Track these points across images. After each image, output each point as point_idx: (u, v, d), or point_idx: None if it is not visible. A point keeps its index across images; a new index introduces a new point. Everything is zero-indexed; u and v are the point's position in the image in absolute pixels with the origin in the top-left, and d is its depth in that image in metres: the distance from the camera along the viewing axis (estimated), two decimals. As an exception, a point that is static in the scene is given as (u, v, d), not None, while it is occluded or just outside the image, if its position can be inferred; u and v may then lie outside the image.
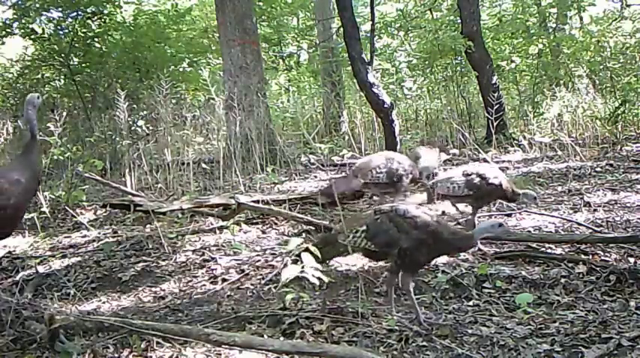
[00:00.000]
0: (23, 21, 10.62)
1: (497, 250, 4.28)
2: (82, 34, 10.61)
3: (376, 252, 3.22)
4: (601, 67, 11.14)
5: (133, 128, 8.97)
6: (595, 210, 5.26)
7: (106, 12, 10.87)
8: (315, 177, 7.42)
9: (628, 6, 12.32)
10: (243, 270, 4.09)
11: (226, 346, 2.71)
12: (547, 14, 12.86)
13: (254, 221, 5.25)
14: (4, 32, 10.69)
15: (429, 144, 6.48)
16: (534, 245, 4.26)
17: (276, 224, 5.15)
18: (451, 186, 4.56)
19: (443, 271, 3.81)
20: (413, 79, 12.09)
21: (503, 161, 7.86)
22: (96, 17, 10.78)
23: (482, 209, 4.97)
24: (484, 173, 4.51)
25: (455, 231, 3.32)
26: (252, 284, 3.85)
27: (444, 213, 5.39)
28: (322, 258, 3.22)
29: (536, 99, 10.96)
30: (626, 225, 4.80)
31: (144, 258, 4.49)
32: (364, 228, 3.18)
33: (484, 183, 4.43)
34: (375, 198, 6.16)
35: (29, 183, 3.44)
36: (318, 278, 2.99)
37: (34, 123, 3.58)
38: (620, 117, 9.25)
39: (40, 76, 11.67)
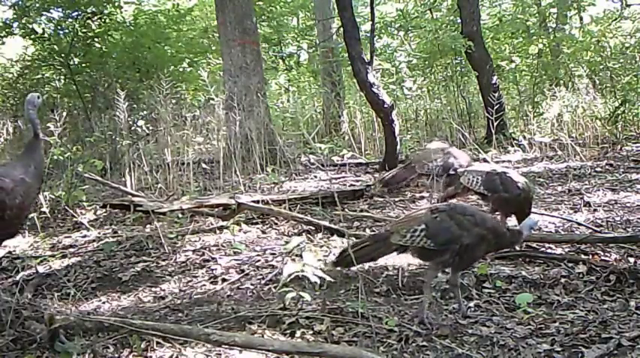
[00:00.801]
0: (23, 21, 10.61)
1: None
2: (82, 34, 10.60)
3: (432, 251, 3.19)
4: (601, 67, 11.15)
5: (133, 128, 8.96)
6: (595, 210, 5.27)
7: (106, 12, 10.87)
8: (315, 177, 7.42)
9: (628, 6, 12.32)
10: (243, 270, 4.09)
11: (226, 346, 2.71)
12: (547, 14, 12.86)
13: (254, 221, 5.26)
14: (4, 32, 10.69)
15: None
16: (534, 245, 4.25)
17: (276, 224, 5.15)
18: (472, 179, 4.57)
19: (443, 271, 3.81)
20: (413, 79, 12.08)
21: (503, 161, 7.86)
22: (96, 17, 10.77)
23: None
24: (508, 177, 4.46)
25: (507, 227, 3.49)
26: (252, 284, 3.85)
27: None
28: (361, 259, 3.30)
29: (536, 99, 10.96)
30: (626, 225, 4.80)
31: (144, 258, 4.49)
32: (423, 226, 3.17)
33: (501, 186, 4.39)
34: (375, 198, 6.17)
35: (34, 183, 3.42)
36: (320, 278, 2.99)
37: (37, 122, 3.57)
38: (620, 117, 9.25)
39: (40, 76, 11.67)
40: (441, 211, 3.24)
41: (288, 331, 3.02)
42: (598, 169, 6.99)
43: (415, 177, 5.51)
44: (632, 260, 3.91)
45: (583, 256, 3.99)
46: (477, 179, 4.56)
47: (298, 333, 2.98)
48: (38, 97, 3.69)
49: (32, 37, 10.82)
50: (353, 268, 3.61)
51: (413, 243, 3.14)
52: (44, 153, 6.28)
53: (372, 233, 3.64)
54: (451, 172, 5.21)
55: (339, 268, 3.49)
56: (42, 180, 3.64)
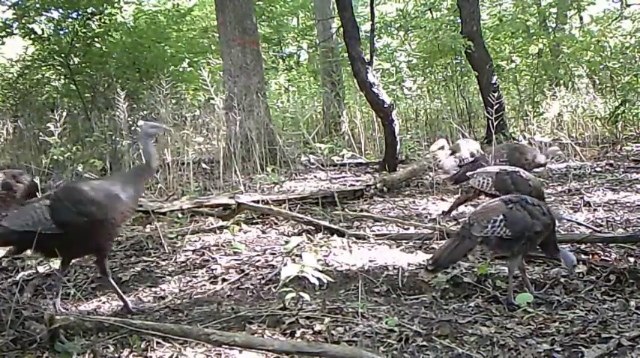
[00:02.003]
0: (23, 21, 10.60)
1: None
2: (82, 34, 10.59)
3: (508, 240, 3.33)
4: (601, 66, 11.15)
5: (133, 128, 8.96)
6: (595, 210, 5.27)
7: (106, 12, 10.86)
8: (315, 177, 7.42)
9: (628, 6, 12.33)
10: (243, 270, 4.09)
11: (226, 346, 2.70)
12: (547, 14, 12.87)
13: (254, 221, 5.26)
14: (4, 32, 10.68)
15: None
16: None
17: (276, 224, 5.15)
18: (483, 180, 4.56)
19: (443, 271, 3.81)
20: (413, 79, 12.09)
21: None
22: (96, 17, 10.76)
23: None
24: (519, 176, 4.44)
25: None
26: (252, 284, 3.85)
27: (444, 213, 5.39)
28: (456, 258, 3.47)
29: (536, 99, 10.96)
30: (626, 224, 4.80)
31: (144, 258, 4.49)
32: (501, 217, 3.33)
33: (513, 186, 4.38)
34: (375, 197, 6.18)
35: (129, 204, 3.47)
36: (318, 279, 2.99)
37: (152, 153, 3.61)
38: (620, 116, 9.25)
39: (40, 76, 11.66)
40: (514, 202, 3.43)
41: (288, 331, 3.02)
42: (598, 169, 7.00)
43: None
44: (632, 260, 3.91)
45: (583, 256, 3.99)
46: (488, 181, 4.56)
47: (298, 333, 2.98)
48: (152, 127, 3.66)
49: (32, 37, 10.81)
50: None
51: (494, 233, 3.30)
52: (44, 153, 6.31)
53: (457, 231, 3.63)
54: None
55: (436, 274, 3.54)
56: (136, 206, 3.67)
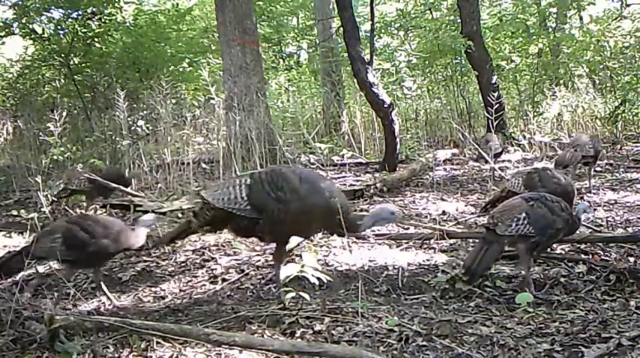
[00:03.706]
0: (23, 21, 10.61)
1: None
2: (82, 34, 10.60)
3: (530, 237, 3.38)
4: (601, 66, 11.15)
5: (133, 128, 8.96)
6: (595, 210, 5.27)
7: (106, 12, 10.87)
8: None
9: (628, 5, 12.33)
10: (243, 270, 4.09)
11: (226, 346, 2.70)
12: (547, 14, 12.87)
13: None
14: (4, 32, 10.69)
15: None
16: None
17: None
18: (515, 181, 4.59)
19: (443, 271, 3.81)
20: (413, 79, 12.09)
21: (503, 161, 7.86)
22: (96, 17, 10.77)
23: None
24: (546, 173, 4.45)
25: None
26: (252, 284, 3.85)
27: (444, 212, 5.39)
28: (489, 264, 3.45)
29: (536, 99, 10.97)
30: (626, 224, 4.80)
31: (144, 258, 4.49)
32: (524, 215, 3.37)
33: (540, 182, 4.39)
34: (375, 197, 6.18)
35: (326, 202, 3.23)
36: (318, 279, 2.99)
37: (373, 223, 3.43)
38: (619, 116, 9.26)
39: (40, 76, 11.67)
40: (535, 199, 3.48)
41: (288, 331, 3.01)
42: (598, 169, 6.99)
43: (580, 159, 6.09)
44: (632, 259, 3.92)
45: (583, 256, 3.99)
46: (519, 181, 4.58)
47: (298, 333, 2.98)
48: (392, 213, 3.41)
49: (32, 37, 10.82)
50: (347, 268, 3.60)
51: (518, 231, 3.34)
52: (44, 153, 6.32)
53: (482, 236, 3.57)
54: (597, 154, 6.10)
55: (472, 284, 3.48)
56: (332, 208, 3.31)
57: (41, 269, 4.34)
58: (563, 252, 4.13)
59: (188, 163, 6.70)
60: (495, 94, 7.30)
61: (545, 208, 3.42)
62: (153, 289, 3.92)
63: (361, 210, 5.61)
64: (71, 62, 10.67)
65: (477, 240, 3.80)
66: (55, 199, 5.88)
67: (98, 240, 3.51)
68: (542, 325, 3.01)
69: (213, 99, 7.53)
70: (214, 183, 3.89)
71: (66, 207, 5.85)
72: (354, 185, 6.76)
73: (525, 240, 3.40)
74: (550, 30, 12.76)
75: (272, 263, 4.16)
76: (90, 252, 3.50)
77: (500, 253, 3.53)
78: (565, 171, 5.85)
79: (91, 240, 3.49)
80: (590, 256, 3.96)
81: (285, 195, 3.16)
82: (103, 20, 10.86)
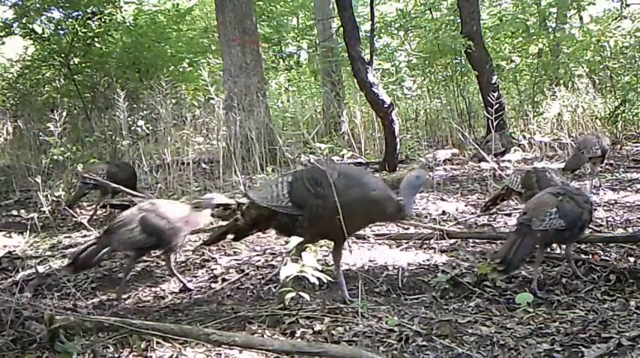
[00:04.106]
0: (23, 21, 10.62)
1: (497, 250, 4.27)
2: (82, 34, 10.61)
3: (561, 231, 3.47)
4: (601, 66, 11.15)
5: (133, 128, 8.97)
6: (595, 210, 5.26)
7: (106, 12, 10.87)
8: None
9: (628, 5, 12.32)
10: (243, 270, 4.09)
11: (226, 346, 2.70)
12: (547, 14, 12.86)
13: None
14: (4, 32, 10.69)
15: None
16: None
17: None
18: (514, 179, 4.61)
19: (443, 271, 3.81)
20: (413, 79, 12.09)
21: (503, 160, 7.85)
22: (96, 17, 10.78)
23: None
24: (544, 174, 4.46)
25: None
26: (252, 284, 3.85)
27: (444, 212, 5.39)
28: (523, 257, 3.49)
29: (536, 99, 10.97)
30: (626, 224, 4.80)
31: (144, 258, 4.48)
32: (555, 209, 3.46)
33: (537, 184, 4.41)
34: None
35: (364, 195, 3.17)
36: (318, 279, 2.99)
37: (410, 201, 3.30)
38: (619, 116, 9.26)
39: (40, 76, 11.67)
40: (562, 194, 3.58)
41: (288, 331, 3.01)
42: (597, 169, 6.98)
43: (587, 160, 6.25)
44: (632, 259, 3.92)
45: (583, 256, 3.99)
46: (517, 179, 4.59)
47: (298, 333, 2.98)
48: (417, 177, 3.30)
49: (32, 37, 10.83)
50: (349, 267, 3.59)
51: (551, 226, 3.42)
52: (44, 153, 6.32)
53: (516, 229, 3.60)
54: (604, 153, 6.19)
55: (508, 274, 3.53)
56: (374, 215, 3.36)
57: (41, 269, 4.34)
58: (564, 252, 4.13)
59: (188, 163, 6.70)
60: (495, 94, 7.30)
61: (572, 202, 3.53)
62: (153, 289, 3.92)
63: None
64: (71, 62, 10.68)
65: (509, 234, 3.86)
66: (73, 199, 5.94)
67: (174, 224, 3.70)
68: (542, 325, 3.01)
69: (213, 99, 7.52)
70: (258, 184, 4.07)
71: (66, 207, 5.85)
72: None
73: (558, 234, 3.49)
74: (550, 30, 12.76)
75: (272, 263, 4.17)
76: (167, 236, 3.69)
77: (533, 246, 3.57)
78: (574, 174, 5.97)
79: (167, 225, 3.68)
80: (591, 256, 3.96)
81: (323, 190, 3.14)
82: (103, 20, 10.87)
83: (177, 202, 4.24)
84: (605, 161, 6.63)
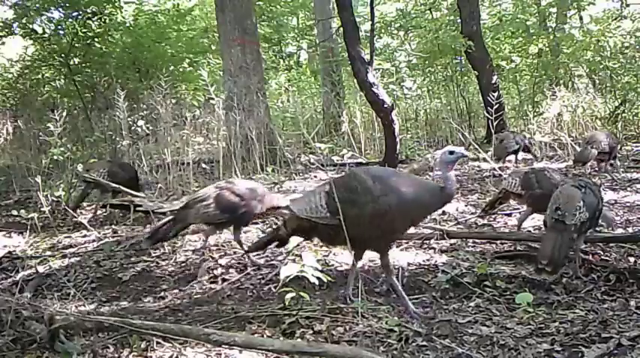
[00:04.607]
0: (23, 21, 10.62)
1: (498, 250, 4.28)
2: (82, 34, 10.61)
3: (584, 222, 3.51)
4: (601, 66, 11.14)
5: (133, 128, 8.97)
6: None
7: (106, 12, 10.87)
8: (315, 177, 7.42)
9: (627, 5, 12.32)
10: (243, 270, 4.09)
11: (226, 346, 2.70)
12: (547, 14, 12.86)
13: (254, 221, 5.25)
14: (4, 32, 10.70)
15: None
16: (534, 245, 4.24)
17: (276, 223, 5.15)
18: (512, 181, 4.60)
19: (443, 271, 3.81)
20: (413, 79, 12.09)
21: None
22: (96, 17, 10.78)
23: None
24: (544, 174, 4.45)
25: None
26: (252, 284, 3.85)
27: (444, 212, 5.38)
28: (564, 255, 3.46)
29: (536, 99, 10.97)
30: (626, 224, 4.80)
31: (144, 258, 4.49)
32: (582, 202, 3.51)
33: (537, 184, 4.40)
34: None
35: (402, 198, 3.05)
36: (318, 278, 2.99)
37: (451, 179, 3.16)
38: (619, 116, 9.26)
39: (40, 76, 11.68)
40: (583, 186, 3.65)
41: (288, 331, 3.02)
42: (597, 169, 6.98)
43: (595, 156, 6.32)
44: (632, 259, 3.91)
45: (583, 256, 3.99)
46: (516, 181, 4.57)
47: (298, 333, 2.98)
48: (451, 153, 3.20)
49: (32, 37, 10.83)
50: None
51: (581, 219, 3.49)
52: (44, 154, 6.32)
53: (551, 226, 3.57)
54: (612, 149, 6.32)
55: (556, 273, 3.50)
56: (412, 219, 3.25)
57: (41, 269, 4.35)
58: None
59: (188, 163, 6.70)
60: (495, 94, 7.30)
61: (592, 193, 3.62)
62: (153, 289, 3.92)
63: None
64: (71, 62, 10.68)
65: (544, 232, 3.89)
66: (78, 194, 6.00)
67: (248, 202, 3.92)
68: (542, 325, 3.01)
69: (213, 99, 7.53)
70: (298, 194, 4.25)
71: (66, 207, 5.85)
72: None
73: (583, 226, 3.55)
74: (550, 30, 12.75)
75: (272, 263, 4.18)
76: (241, 214, 3.92)
77: (572, 241, 3.61)
78: (583, 168, 6.18)
79: (241, 203, 3.91)
80: (591, 256, 3.95)
81: (359, 198, 3.05)
82: (103, 20, 10.87)
83: (254, 181, 4.49)
84: (612, 160, 6.62)
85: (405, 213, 3.09)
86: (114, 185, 5.78)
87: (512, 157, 7.42)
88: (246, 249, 4.04)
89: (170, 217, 4.09)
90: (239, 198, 3.93)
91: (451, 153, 3.20)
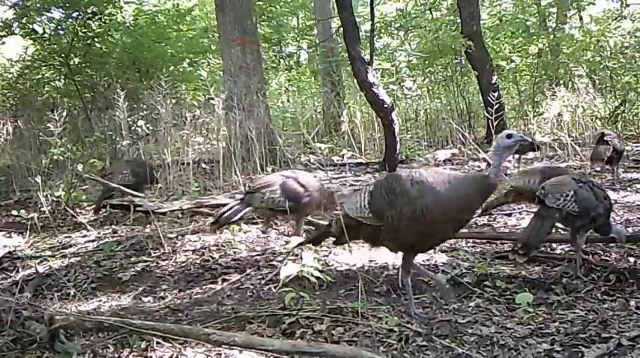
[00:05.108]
0: (23, 21, 10.62)
1: (497, 250, 4.28)
2: (82, 34, 10.62)
3: (572, 216, 3.51)
4: (601, 66, 11.15)
5: (133, 128, 8.97)
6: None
7: (106, 12, 10.87)
8: (315, 177, 7.41)
9: (627, 6, 12.32)
10: (243, 270, 4.09)
11: (226, 346, 2.70)
12: (547, 14, 12.87)
13: (254, 221, 5.25)
14: (4, 32, 10.70)
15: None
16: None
17: (276, 224, 5.15)
18: (529, 180, 4.52)
19: (443, 271, 3.81)
20: (413, 79, 12.09)
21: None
22: (96, 17, 10.78)
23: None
24: (558, 168, 4.43)
25: None
26: (252, 284, 3.85)
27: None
28: (539, 239, 3.52)
29: (536, 99, 10.97)
30: (626, 224, 4.80)
31: (144, 258, 4.49)
32: (572, 192, 3.51)
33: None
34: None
35: (438, 200, 2.91)
36: (318, 279, 2.99)
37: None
38: (619, 116, 9.26)
39: (40, 76, 11.68)
40: (583, 182, 3.63)
41: (288, 331, 3.01)
42: (598, 169, 6.98)
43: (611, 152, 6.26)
44: (632, 259, 3.91)
45: (583, 256, 3.99)
46: (534, 180, 4.43)
47: (298, 333, 2.98)
48: (509, 137, 2.98)
49: (32, 37, 10.83)
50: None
51: (565, 206, 3.48)
52: (44, 154, 6.32)
53: (536, 211, 3.61)
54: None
55: (529, 256, 3.53)
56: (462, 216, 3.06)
57: (41, 269, 4.35)
58: (564, 252, 4.13)
59: (188, 163, 6.70)
60: (495, 94, 7.31)
61: (590, 192, 3.58)
62: (153, 289, 3.92)
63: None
64: (71, 62, 10.68)
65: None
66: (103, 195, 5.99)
67: (311, 193, 4.14)
68: (542, 325, 3.01)
69: (213, 99, 7.53)
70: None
71: (66, 207, 5.85)
72: (354, 185, 6.76)
73: (572, 219, 3.54)
74: (550, 30, 12.76)
75: (272, 263, 4.18)
76: (304, 203, 4.12)
77: (551, 227, 3.63)
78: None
79: (305, 193, 4.12)
80: (591, 256, 3.95)
81: (396, 199, 2.98)
82: (103, 20, 10.87)
83: (314, 174, 4.70)
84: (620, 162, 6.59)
85: (444, 213, 2.94)
86: (113, 184, 5.78)
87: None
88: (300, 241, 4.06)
89: (235, 202, 4.32)
90: (303, 188, 4.13)
91: (509, 136, 2.97)
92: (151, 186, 6.13)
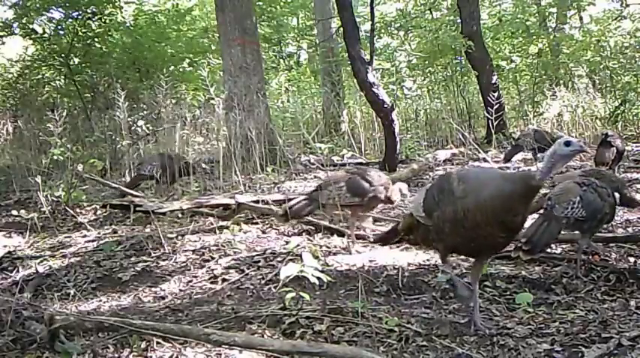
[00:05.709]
0: (23, 21, 10.62)
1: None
2: (82, 34, 10.61)
3: (580, 220, 3.50)
4: (601, 66, 11.15)
5: (133, 128, 8.97)
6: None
7: (106, 12, 10.87)
8: (315, 177, 7.42)
9: (627, 6, 12.32)
10: (243, 270, 4.09)
11: (226, 346, 2.70)
12: (547, 14, 12.87)
13: (254, 221, 5.25)
14: (4, 32, 10.69)
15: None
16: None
17: (276, 224, 5.15)
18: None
19: (443, 271, 3.80)
20: (413, 79, 12.09)
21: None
22: (96, 17, 10.78)
23: None
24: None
25: None
26: (252, 284, 3.85)
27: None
28: (550, 240, 3.52)
29: (536, 99, 10.98)
30: (626, 224, 4.80)
31: (144, 258, 4.48)
32: (578, 198, 3.48)
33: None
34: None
35: (480, 200, 2.72)
36: (318, 278, 2.99)
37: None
38: (619, 116, 9.26)
39: (40, 76, 11.67)
40: (587, 185, 3.61)
41: (288, 331, 3.01)
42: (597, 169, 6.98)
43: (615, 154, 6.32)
44: (632, 259, 3.91)
45: (583, 256, 3.99)
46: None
47: (298, 333, 2.98)
48: (567, 144, 2.69)
49: (32, 37, 10.83)
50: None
51: (573, 214, 3.46)
52: (44, 154, 6.34)
53: (542, 213, 3.51)
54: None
55: (533, 255, 3.47)
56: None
57: (41, 269, 4.35)
58: (564, 252, 4.13)
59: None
60: (495, 94, 7.31)
61: (595, 193, 3.57)
62: (153, 289, 3.92)
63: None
64: (71, 62, 10.68)
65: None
66: (129, 187, 6.22)
67: (376, 188, 4.25)
68: (542, 325, 3.01)
69: (213, 99, 7.53)
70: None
71: (66, 207, 5.85)
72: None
73: (580, 224, 3.53)
74: (550, 30, 12.76)
75: (272, 263, 4.17)
76: (369, 199, 4.24)
77: (558, 233, 3.58)
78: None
79: (370, 188, 4.23)
80: (591, 256, 3.95)
81: (443, 198, 2.85)
82: (103, 20, 10.87)
83: (379, 171, 4.88)
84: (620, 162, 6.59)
85: (484, 215, 2.72)
86: (114, 185, 5.78)
87: (516, 157, 7.40)
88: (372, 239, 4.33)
89: (302, 197, 4.49)
90: (368, 184, 4.24)
91: (567, 144, 2.69)
92: (182, 179, 6.46)
